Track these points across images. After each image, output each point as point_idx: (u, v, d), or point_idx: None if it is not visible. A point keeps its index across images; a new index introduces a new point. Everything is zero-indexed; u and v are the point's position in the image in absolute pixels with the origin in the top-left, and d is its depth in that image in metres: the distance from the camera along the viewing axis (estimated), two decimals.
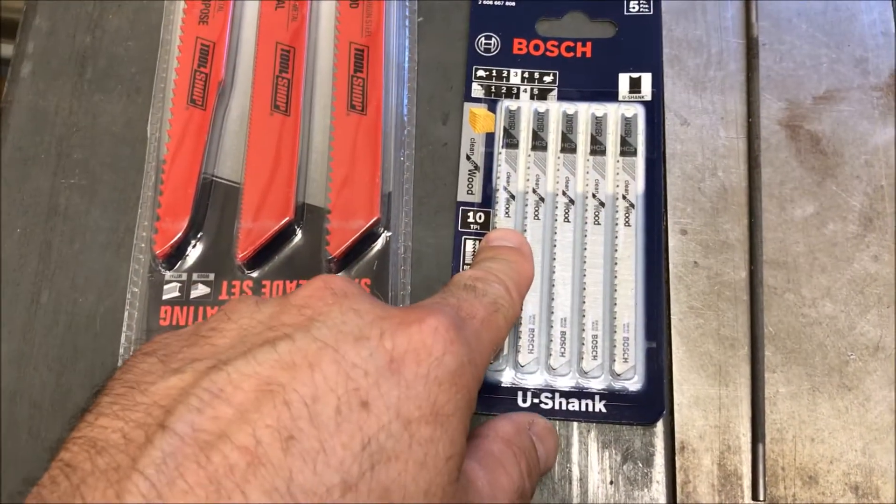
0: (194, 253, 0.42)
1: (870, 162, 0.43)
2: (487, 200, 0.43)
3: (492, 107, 0.45)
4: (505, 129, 0.45)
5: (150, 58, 0.47)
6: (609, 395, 0.40)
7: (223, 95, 0.44)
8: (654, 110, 0.44)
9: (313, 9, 0.46)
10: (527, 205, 0.43)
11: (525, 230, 0.43)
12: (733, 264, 0.42)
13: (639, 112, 0.44)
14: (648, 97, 0.45)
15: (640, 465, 0.39)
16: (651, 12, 0.46)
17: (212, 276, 0.42)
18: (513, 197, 0.43)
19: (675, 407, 0.40)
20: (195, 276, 0.42)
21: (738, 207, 0.43)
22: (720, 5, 0.47)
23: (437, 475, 0.25)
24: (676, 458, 0.39)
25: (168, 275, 0.42)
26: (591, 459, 0.39)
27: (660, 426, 0.40)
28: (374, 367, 0.25)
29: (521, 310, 0.37)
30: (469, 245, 0.43)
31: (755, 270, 0.41)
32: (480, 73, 0.46)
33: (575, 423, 0.40)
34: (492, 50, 0.46)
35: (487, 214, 0.43)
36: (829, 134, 0.44)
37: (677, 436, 0.39)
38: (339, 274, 0.41)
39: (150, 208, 0.43)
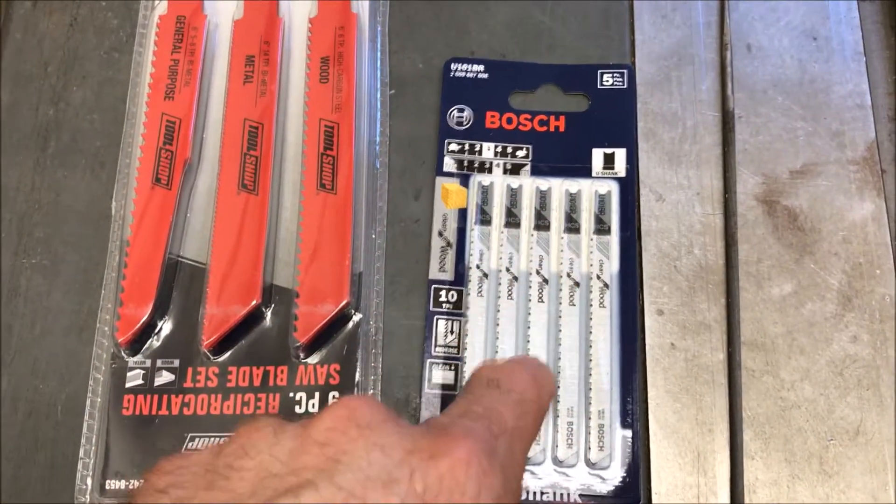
0: (159, 337, 0.41)
1: (847, 238, 0.43)
2: (460, 279, 0.43)
3: (464, 182, 0.44)
4: (478, 205, 0.44)
5: (116, 132, 0.46)
6: (584, 486, 0.39)
7: (189, 173, 0.43)
8: (628, 187, 0.44)
9: (282, 84, 0.45)
10: (500, 284, 0.42)
11: (498, 310, 0.42)
12: (711, 346, 0.41)
13: (613, 189, 0.44)
14: (622, 173, 0.44)
15: None
16: (625, 86, 0.46)
17: (176, 363, 0.40)
18: (486, 275, 0.42)
19: (653, 496, 0.39)
20: (159, 363, 0.40)
21: (715, 286, 0.42)
22: (695, 78, 0.46)
23: None
24: None
25: (131, 361, 0.40)
26: None
27: None
28: None
29: (547, 410, 0.35)
30: (442, 325, 0.42)
31: (733, 352, 0.41)
32: (453, 146, 0.45)
33: None
34: (464, 123, 0.46)
35: (460, 293, 0.42)
36: (807, 209, 0.44)
37: None
38: (349, 399, 0.39)
39: (114, 290, 0.41)
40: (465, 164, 0.45)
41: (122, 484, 0.38)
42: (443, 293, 0.42)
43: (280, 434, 0.26)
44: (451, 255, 0.43)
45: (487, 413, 0.28)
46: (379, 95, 0.46)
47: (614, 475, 0.39)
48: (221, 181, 0.42)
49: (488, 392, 0.29)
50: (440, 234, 0.43)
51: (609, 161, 0.44)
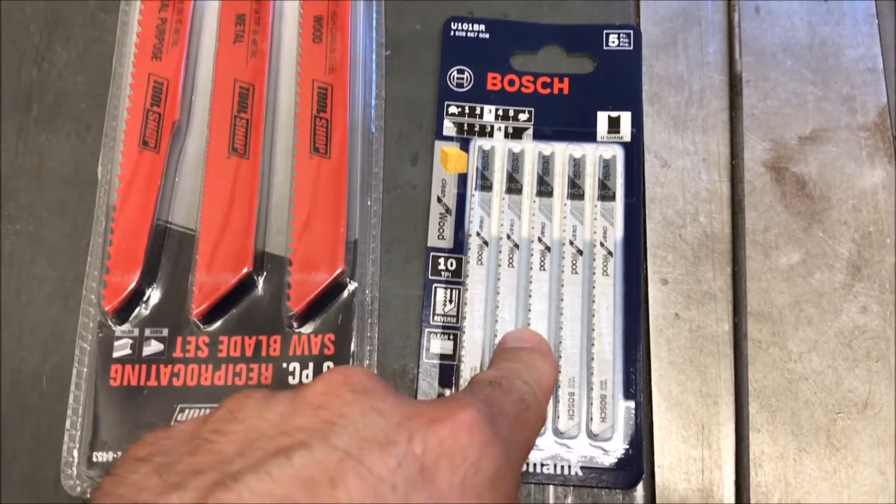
0: (147, 305, 0.40)
1: (857, 206, 0.42)
2: (459, 246, 0.41)
3: (464, 146, 0.43)
4: (478, 170, 0.42)
5: (102, 94, 0.44)
6: (585, 458, 0.38)
7: (178, 136, 0.42)
8: (634, 152, 0.42)
9: (274, 44, 0.43)
10: (500, 252, 0.41)
11: (499, 278, 0.40)
12: (716, 316, 0.40)
13: (618, 154, 0.42)
14: (628, 138, 0.42)
15: None
16: (631, 47, 0.44)
17: (165, 332, 0.39)
18: (486, 243, 0.41)
19: (656, 469, 0.38)
20: (147, 332, 0.39)
21: (720, 255, 0.41)
22: (702, 40, 0.45)
23: None
24: None
25: (118, 331, 0.39)
26: None
27: (640, 490, 0.38)
28: (403, 478, 0.22)
29: (547, 414, 0.34)
30: (440, 293, 0.40)
31: (739, 323, 0.39)
32: (452, 109, 0.44)
33: (551, 487, 0.38)
34: (464, 85, 0.44)
35: (459, 261, 0.41)
36: (816, 176, 0.42)
37: (658, 500, 0.37)
38: (343, 369, 0.37)
39: (100, 257, 0.40)
40: (466, 127, 0.43)
41: (109, 456, 0.37)
42: (441, 261, 0.41)
43: (271, 401, 0.25)
44: (450, 221, 0.42)
45: (489, 400, 0.27)
46: (374, 56, 0.44)
47: (617, 447, 0.38)
48: (211, 144, 0.41)
49: (490, 388, 0.29)
50: (439, 199, 0.42)
51: (614, 125, 0.43)
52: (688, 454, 0.38)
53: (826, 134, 0.43)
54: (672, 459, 0.38)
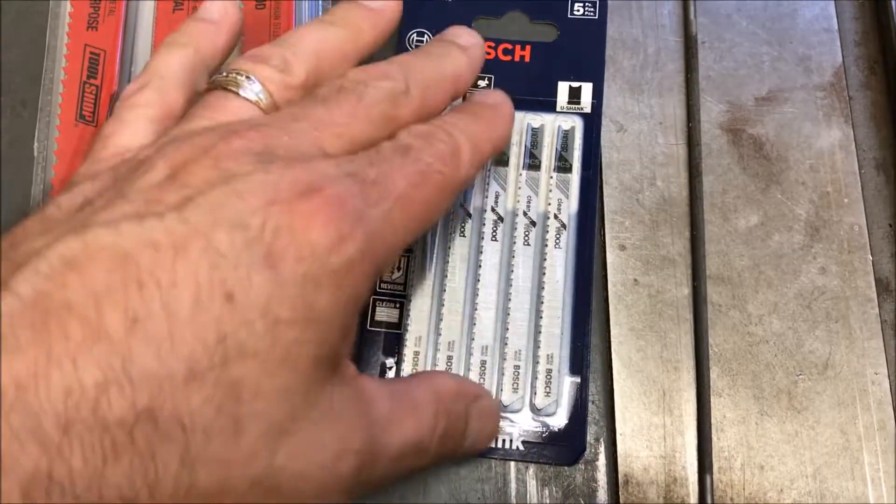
0: None
1: (815, 167, 0.41)
2: None
3: None
4: None
5: (37, 66, 0.42)
6: (527, 432, 0.37)
7: None
8: (593, 124, 0.41)
9: None
10: (452, 219, 0.40)
11: (449, 247, 0.39)
12: (675, 281, 0.39)
13: (577, 125, 0.41)
14: (588, 109, 0.41)
15: (583, 502, 0.37)
16: (596, 16, 0.43)
17: None
18: None
19: (618, 437, 0.37)
20: None
21: (679, 219, 0.40)
22: (657, 1, 0.44)
23: (298, 376, 0.24)
24: (620, 493, 0.36)
25: None
26: (529, 498, 0.37)
27: (602, 458, 0.37)
28: (246, 259, 0.23)
29: (475, 175, 0.32)
30: None
31: (698, 287, 0.39)
32: None
33: (512, 463, 0.37)
34: None
35: None
36: (773, 138, 0.42)
37: (620, 468, 0.37)
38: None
39: None
40: None
41: None
42: None
43: (147, 165, 0.26)
44: None
45: (375, 178, 0.27)
46: None
47: (560, 422, 0.37)
48: None
49: (391, 156, 0.28)
50: None
51: (575, 95, 0.42)
52: (649, 421, 0.37)
53: (782, 94, 0.42)
54: (633, 427, 0.37)
